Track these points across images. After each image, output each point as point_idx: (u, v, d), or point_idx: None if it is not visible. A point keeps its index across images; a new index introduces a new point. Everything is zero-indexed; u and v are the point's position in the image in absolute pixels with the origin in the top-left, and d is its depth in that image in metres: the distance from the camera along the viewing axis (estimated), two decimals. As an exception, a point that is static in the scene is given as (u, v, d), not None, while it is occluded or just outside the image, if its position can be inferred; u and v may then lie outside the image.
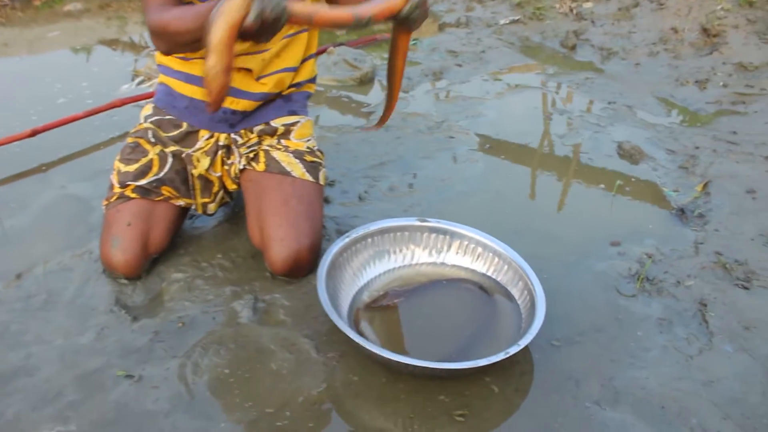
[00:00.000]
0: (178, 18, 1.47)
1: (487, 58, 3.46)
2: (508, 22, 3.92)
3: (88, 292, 1.73)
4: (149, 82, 3.17)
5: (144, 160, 1.78)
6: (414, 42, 3.69)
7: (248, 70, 1.74)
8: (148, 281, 1.75)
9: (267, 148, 1.82)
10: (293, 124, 1.86)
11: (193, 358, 1.50)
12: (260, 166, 1.80)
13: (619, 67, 3.39)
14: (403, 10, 1.38)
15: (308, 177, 1.80)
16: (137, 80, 3.23)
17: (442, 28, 3.93)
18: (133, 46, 3.97)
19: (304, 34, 1.81)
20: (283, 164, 1.79)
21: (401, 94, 2.97)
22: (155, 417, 1.36)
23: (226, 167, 1.85)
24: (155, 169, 1.78)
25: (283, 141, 1.84)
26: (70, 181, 2.33)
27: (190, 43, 1.50)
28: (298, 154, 1.82)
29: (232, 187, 1.89)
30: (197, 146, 1.83)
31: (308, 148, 1.86)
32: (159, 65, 1.87)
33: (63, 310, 1.67)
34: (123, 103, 2.78)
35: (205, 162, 1.82)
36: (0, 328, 1.61)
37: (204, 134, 1.82)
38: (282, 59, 1.79)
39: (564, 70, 3.40)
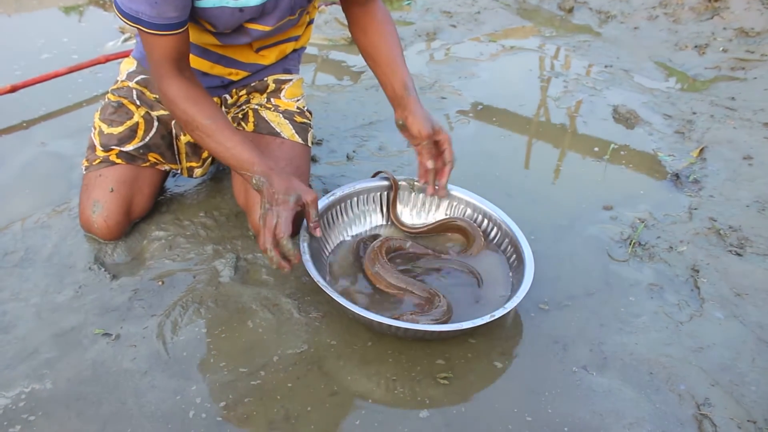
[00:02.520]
0: (213, 135, 1.43)
1: (482, 19, 3.38)
2: (505, -17, 3.83)
3: (67, 250, 1.68)
4: (135, 39, 3.08)
5: (129, 123, 1.71)
6: (408, 2, 3.60)
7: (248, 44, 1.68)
8: (128, 239, 1.71)
9: (256, 107, 1.76)
10: (285, 81, 1.80)
11: (172, 317, 1.46)
12: (249, 126, 1.74)
13: (617, 31, 3.32)
14: None
15: (297, 138, 1.74)
16: (123, 37, 3.14)
17: (437, -12, 3.83)
18: (121, 3, 3.86)
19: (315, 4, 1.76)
20: (272, 125, 1.73)
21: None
22: (132, 375, 1.33)
23: None
24: (140, 133, 1.71)
25: (272, 99, 1.79)
26: (52, 138, 2.26)
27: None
28: (288, 115, 1.76)
29: None
30: None
31: (298, 108, 1.80)
32: None
33: (40, 268, 1.62)
34: (107, 59, 2.70)
35: None
36: (-26, 285, 1.57)
37: None
38: (284, 34, 1.73)
39: (561, 33, 3.32)
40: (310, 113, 1.85)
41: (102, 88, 2.62)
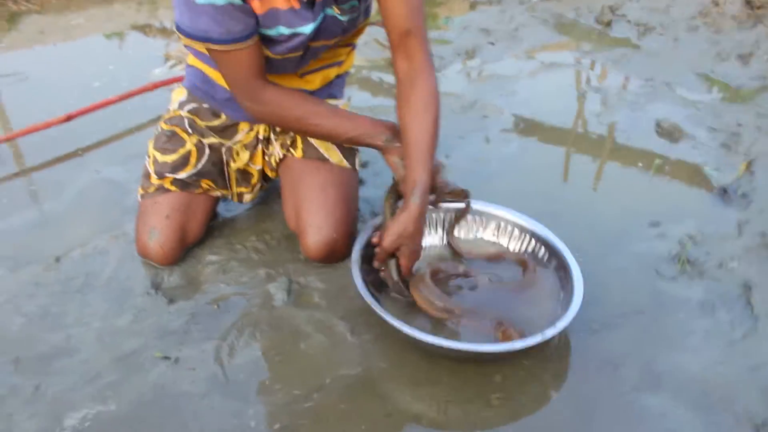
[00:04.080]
0: (330, 116, 1.53)
1: (520, 36, 3.39)
2: (541, -2, 3.84)
3: (124, 275, 1.74)
4: (181, 65, 3.18)
5: (182, 151, 1.77)
6: (446, 21, 3.63)
7: (294, 72, 1.73)
8: (183, 264, 1.76)
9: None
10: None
11: (229, 340, 1.50)
12: (298, 152, 1.78)
13: (656, 43, 3.29)
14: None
15: (345, 163, 1.78)
16: (169, 63, 3.24)
17: (473, 6, 3.86)
18: (164, 31, 3.98)
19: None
20: (320, 150, 1.77)
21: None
22: (192, 398, 1.37)
23: (266, 158, 1.85)
24: (193, 160, 1.77)
25: None
26: (105, 165, 2.35)
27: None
28: (339, 146, 1.80)
29: (272, 175, 1.88)
30: (236, 138, 1.81)
31: None
32: (188, 47, 1.81)
33: (100, 293, 1.69)
34: (155, 86, 2.79)
35: (245, 156, 1.82)
36: (41, 310, 1.63)
37: (244, 127, 1.81)
38: (327, 59, 1.77)
39: (599, 47, 3.32)
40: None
41: (151, 115, 2.70)
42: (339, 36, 1.61)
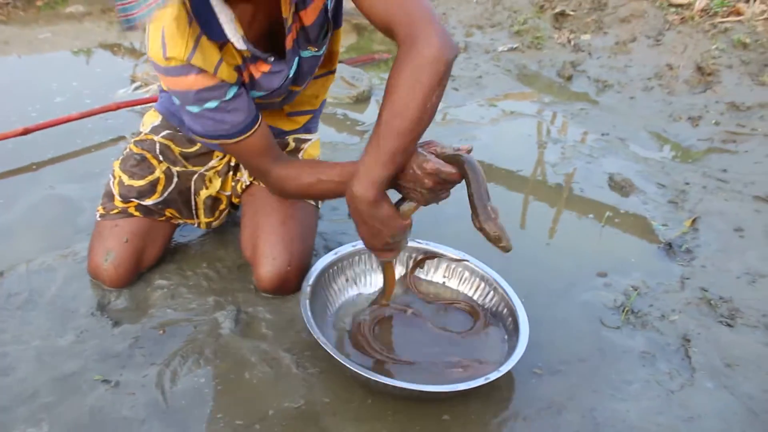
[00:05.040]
0: (318, 183, 1.46)
1: (483, 83, 3.48)
2: (506, 49, 3.95)
3: (70, 294, 1.71)
4: (146, 87, 3.17)
5: (150, 178, 1.75)
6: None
7: (280, 108, 1.75)
8: (131, 287, 1.73)
9: None
10: (305, 141, 1.86)
11: (172, 367, 1.48)
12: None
13: (613, 100, 3.42)
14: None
15: (309, 200, 1.79)
16: (134, 85, 3.23)
17: (441, 51, 3.95)
18: (133, 52, 3.97)
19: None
20: None
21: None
22: (130, 424, 1.34)
23: (232, 183, 1.85)
24: (160, 188, 1.75)
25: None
26: (60, 181, 2.32)
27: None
28: None
29: (237, 201, 1.88)
30: (210, 164, 1.81)
31: None
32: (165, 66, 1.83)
33: (43, 311, 1.65)
34: (118, 107, 2.78)
35: (217, 183, 1.82)
36: (-23, 326, 1.59)
37: (218, 154, 1.81)
38: (314, 97, 1.80)
39: (559, 100, 3.43)
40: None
41: (111, 135, 2.68)
42: (316, 67, 1.64)
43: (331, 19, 1.51)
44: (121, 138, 2.66)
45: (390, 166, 1.27)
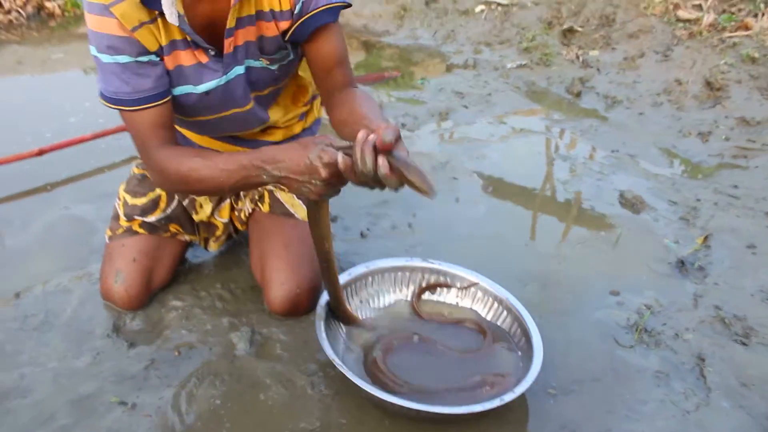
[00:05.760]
0: (215, 162, 1.36)
1: (493, 100, 3.49)
2: (515, 66, 3.97)
3: (86, 315, 1.73)
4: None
5: (152, 195, 1.78)
6: (421, 81, 3.73)
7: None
8: (146, 308, 1.75)
9: (271, 188, 1.83)
10: None
11: (188, 388, 1.49)
12: (265, 207, 1.81)
13: (623, 116, 3.42)
14: None
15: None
16: (147, 105, 3.25)
17: (450, 68, 3.98)
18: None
19: (304, 82, 1.80)
20: (287, 206, 1.79)
21: (406, 133, 3.00)
22: (146, 447, 1.35)
23: (235, 212, 1.86)
24: (163, 204, 1.78)
25: None
26: (74, 202, 2.34)
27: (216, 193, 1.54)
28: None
29: (242, 228, 1.89)
30: None
31: None
32: None
33: (59, 333, 1.67)
34: (132, 127, 2.80)
35: (207, 208, 1.83)
36: (-5, 347, 1.60)
37: None
38: (290, 120, 1.80)
39: (569, 117, 3.43)
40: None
41: (124, 155, 2.71)
42: (272, 85, 1.62)
43: (290, 48, 1.54)
44: (134, 158, 2.69)
45: None
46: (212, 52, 1.45)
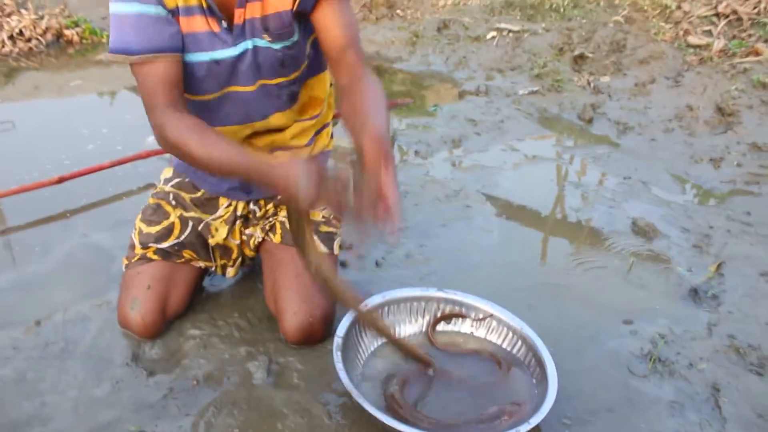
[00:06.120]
0: (207, 151, 1.39)
1: (505, 127, 3.52)
2: (527, 92, 4.00)
3: (105, 344, 1.75)
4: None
5: (165, 223, 1.82)
6: (434, 108, 3.77)
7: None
8: (165, 337, 1.78)
9: (283, 219, 1.85)
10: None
11: (206, 418, 1.51)
12: (276, 238, 1.83)
13: (634, 142, 3.44)
14: None
15: (323, 248, 1.82)
16: (163, 132, 3.30)
17: (462, 95, 4.02)
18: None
19: (317, 94, 1.81)
20: None
21: (419, 160, 3.03)
22: (165, 476, 1.36)
23: (244, 237, 1.89)
24: (176, 231, 1.81)
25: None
26: (93, 229, 2.38)
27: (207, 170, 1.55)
28: (314, 225, 1.84)
29: (250, 254, 1.92)
30: (217, 214, 1.86)
31: (323, 217, 1.88)
32: None
33: (79, 361, 1.69)
34: (149, 155, 2.85)
35: (223, 231, 1.86)
36: (17, 375, 1.63)
37: (224, 202, 1.86)
38: (295, 138, 1.83)
39: (581, 143, 3.46)
40: (338, 219, 1.92)
41: (141, 182, 2.75)
42: (280, 74, 1.63)
43: (296, 27, 1.56)
44: (151, 185, 2.73)
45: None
46: (224, 23, 1.51)
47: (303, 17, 1.56)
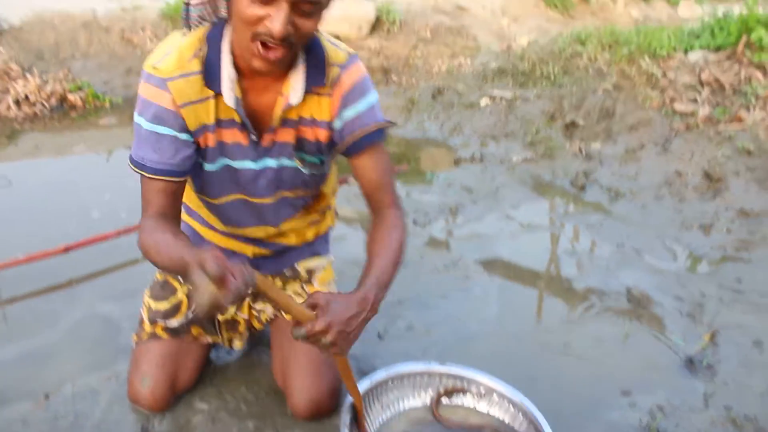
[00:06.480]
0: (157, 251, 1.41)
1: (500, 195, 3.61)
2: (520, 159, 4.12)
3: (114, 418, 1.78)
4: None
5: (173, 300, 1.86)
6: (430, 177, 3.88)
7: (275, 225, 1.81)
8: (173, 411, 1.80)
9: (291, 294, 1.90)
10: (316, 268, 1.95)
11: (216, 496, 1.53)
12: (288, 315, 1.87)
13: (626, 209, 3.53)
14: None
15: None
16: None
17: (457, 162, 4.13)
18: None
19: (326, 191, 1.87)
20: None
21: (417, 229, 3.10)
22: None
23: (254, 312, 1.93)
24: (184, 309, 1.85)
25: (306, 287, 1.93)
26: (100, 299, 2.42)
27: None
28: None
29: (258, 327, 1.96)
30: None
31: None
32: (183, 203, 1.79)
33: (89, 436, 1.71)
34: (154, 223, 2.91)
35: (231, 307, 1.89)
36: (27, 451, 1.65)
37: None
38: (298, 222, 1.87)
39: (574, 211, 3.55)
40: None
41: (147, 251, 2.79)
42: (301, 188, 1.71)
43: (326, 157, 1.65)
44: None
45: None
46: (253, 137, 1.55)
47: (334, 144, 1.63)
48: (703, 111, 4.44)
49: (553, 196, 3.74)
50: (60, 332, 2.21)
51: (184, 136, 1.49)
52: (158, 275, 1.92)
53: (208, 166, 1.59)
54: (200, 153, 1.56)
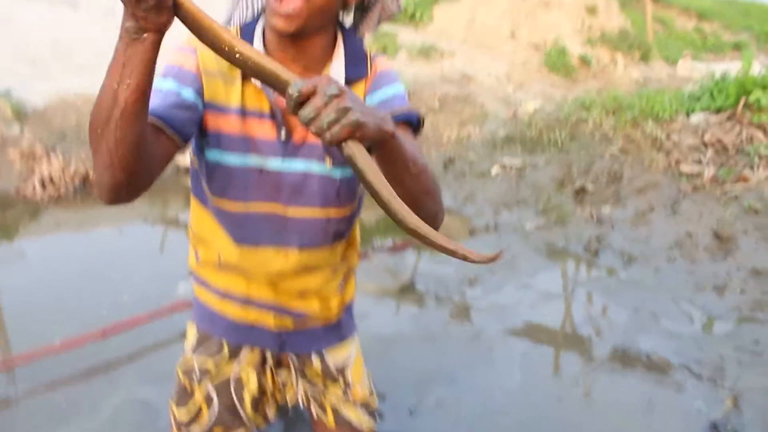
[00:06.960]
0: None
1: (516, 264, 3.71)
2: (533, 227, 4.23)
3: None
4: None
5: (192, 408, 1.78)
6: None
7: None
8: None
9: (335, 402, 1.78)
10: (346, 363, 1.78)
11: None
12: (330, 422, 1.77)
13: (640, 273, 3.62)
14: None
15: (373, 426, 1.78)
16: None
17: (472, 232, 4.25)
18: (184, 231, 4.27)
19: (339, 243, 1.64)
20: (354, 424, 1.76)
21: (440, 304, 3.19)
22: None
23: (278, 386, 1.90)
24: (204, 416, 1.72)
25: (349, 392, 1.78)
26: (136, 383, 2.49)
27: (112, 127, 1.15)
28: (366, 407, 1.78)
29: (281, 399, 1.91)
30: (241, 359, 1.72)
31: (370, 391, 1.81)
32: (193, 273, 1.74)
33: None
34: (186, 305, 3.01)
35: (254, 378, 1.73)
36: None
37: (246, 347, 1.72)
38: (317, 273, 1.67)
39: (589, 277, 3.65)
40: (374, 391, 1.83)
41: (177, 332, 2.87)
42: (331, 204, 1.50)
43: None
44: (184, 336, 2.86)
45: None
46: (283, 133, 1.44)
47: None
48: (709, 172, 4.56)
49: (568, 262, 3.83)
50: (101, 419, 2.26)
51: (191, 97, 1.36)
52: (179, 372, 1.73)
53: (231, 158, 1.45)
54: (217, 140, 1.44)
